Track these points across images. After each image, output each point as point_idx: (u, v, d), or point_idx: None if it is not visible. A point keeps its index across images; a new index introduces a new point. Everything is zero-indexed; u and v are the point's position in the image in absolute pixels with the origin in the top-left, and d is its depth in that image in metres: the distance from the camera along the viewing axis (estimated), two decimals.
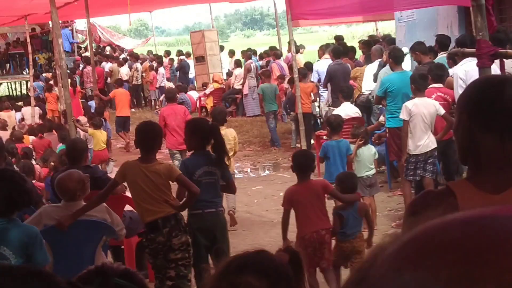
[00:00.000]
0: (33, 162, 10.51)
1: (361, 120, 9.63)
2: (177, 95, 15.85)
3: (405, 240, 0.58)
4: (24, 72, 25.22)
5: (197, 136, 5.63)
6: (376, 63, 10.50)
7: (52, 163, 9.29)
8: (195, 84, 20.92)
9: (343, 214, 5.55)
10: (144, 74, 22.11)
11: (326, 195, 5.71)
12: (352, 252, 5.48)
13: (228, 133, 8.16)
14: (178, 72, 22.27)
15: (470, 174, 1.90)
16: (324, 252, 5.32)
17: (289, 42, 12.60)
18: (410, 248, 0.57)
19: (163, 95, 19.63)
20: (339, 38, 15.33)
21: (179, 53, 23.81)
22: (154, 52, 26.29)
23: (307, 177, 5.61)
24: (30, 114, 16.86)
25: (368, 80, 10.59)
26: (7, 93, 28.48)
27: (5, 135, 12.89)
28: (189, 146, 5.98)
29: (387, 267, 0.56)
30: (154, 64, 22.33)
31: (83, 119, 13.43)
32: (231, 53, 21.34)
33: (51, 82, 18.72)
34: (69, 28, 27.65)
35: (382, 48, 11.18)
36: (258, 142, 14.25)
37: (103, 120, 12.47)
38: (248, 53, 19.23)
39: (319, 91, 12.68)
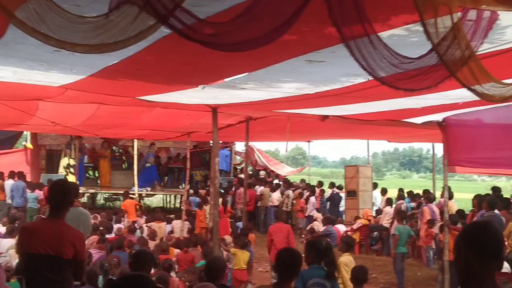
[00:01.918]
0: (173, 274, 11.01)
1: (510, 276, 9.29)
2: (324, 227, 16.10)
3: None
4: (180, 187, 26.60)
5: (313, 253, 6.87)
6: None
7: (184, 277, 9.62)
8: (344, 218, 21.03)
9: None
10: (294, 202, 22.55)
11: None
12: None
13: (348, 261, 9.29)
14: (328, 203, 22.53)
15: None
16: None
17: (443, 187, 12.57)
18: None
19: (310, 225, 20.04)
20: (496, 190, 14.98)
21: (331, 185, 24.16)
22: (307, 181, 26.83)
23: None
24: (179, 227, 17.59)
25: None
26: (162, 205, 30.00)
27: (152, 244, 13.62)
28: (307, 261, 6.87)
29: None
30: (305, 192, 22.79)
31: (228, 238, 13.90)
32: (384, 191, 21.39)
33: (206, 198, 19.53)
34: (228, 148, 29.00)
35: None
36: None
37: (248, 241, 12.79)
38: (401, 193, 19.17)
39: None
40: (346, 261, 9.20)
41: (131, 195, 21.83)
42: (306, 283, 6.55)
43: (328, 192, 23.58)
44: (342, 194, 22.48)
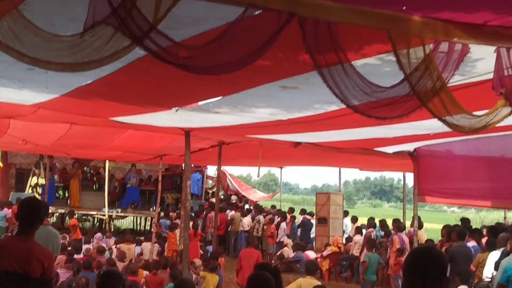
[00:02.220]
0: None
1: None
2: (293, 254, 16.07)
3: None
4: (151, 209, 26.46)
5: None
6: (499, 251, 10.28)
7: None
8: (314, 245, 21.03)
9: None
10: (265, 227, 22.51)
11: None
12: None
13: (315, 283, 9.28)
14: (299, 229, 22.52)
15: None
16: None
17: (413, 217, 12.66)
18: None
19: (280, 250, 20.01)
20: (465, 221, 15.11)
21: (303, 211, 24.18)
22: (278, 207, 26.83)
23: None
24: (149, 249, 17.43)
25: (489, 267, 10.33)
26: (132, 227, 29.78)
27: (121, 266, 13.48)
28: None
29: None
30: (276, 218, 22.77)
31: (198, 262, 13.81)
32: (354, 219, 21.44)
33: (176, 221, 19.43)
34: (200, 172, 28.96)
35: (508, 237, 10.94)
36: None
37: (217, 265, 12.72)
38: (371, 222, 19.26)
39: None
40: (302, 283, 9.55)
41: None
42: None
43: (299, 219, 23.58)
44: (313, 221, 22.49)
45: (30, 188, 24.51)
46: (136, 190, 27.23)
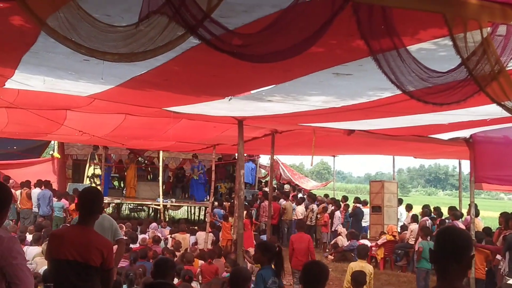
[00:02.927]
0: (197, 286, 11.02)
1: None
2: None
3: None
4: (205, 199, 26.63)
5: (267, 255, 7.55)
6: None
7: None
8: (368, 233, 20.89)
9: None
10: (318, 216, 22.45)
11: None
12: None
13: (367, 267, 10.40)
14: (351, 218, 22.40)
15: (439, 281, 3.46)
16: None
17: (469, 205, 12.44)
18: None
19: (335, 239, 19.95)
20: None
21: (356, 200, 24.02)
22: (331, 196, 26.71)
23: None
24: (203, 239, 17.58)
25: None
26: (186, 216, 30.04)
27: (176, 255, 13.65)
28: (260, 261, 7.72)
29: None
30: (330, 207, 22.70)
31: (252, 251, 13.86)
32: (409, 207, 21.21)
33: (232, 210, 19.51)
34: (254, 161, 29.01)
35: None
36: None
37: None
38: (425, 210, 19.01)
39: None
40: (353, 265, 10.70)
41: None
42: (267, 282, 7.29)
43: (351, 207, 23.46)
44: (366, 210, 22.30)
45: (88, 178, 24.95)
46: (202, 182, 26.73)
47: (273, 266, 7.63)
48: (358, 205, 22.99)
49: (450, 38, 4.08)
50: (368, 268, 10.75)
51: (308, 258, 12.94)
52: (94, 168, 24.93)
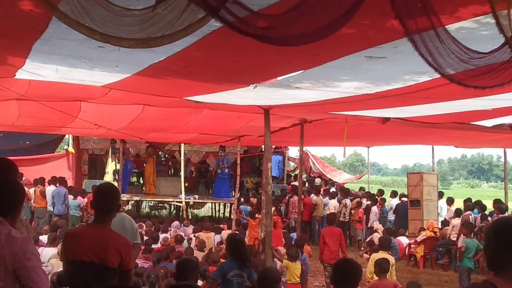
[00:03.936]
0: None
1: None
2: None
3: None
4: (230, 195, 26.59)
5: (232, 247, 8.15)
6: None
7: None
8: (407, 229, 20.79)
9: None
10: (352, 211, 22.36)
11: None
12: None
13: (389, 258, 11.01)
14: (389, 213, 22.31)
15: (497, 275, 3.42)
16: None
17: None
18: None
19: (370, 236, 19.87)
20: None
21: (393, 194, 23.91)
22: (366, 190, 26.62)
23: None
24: None
25: None
26: (210, 214, 30.14)
27: (201, 256, 13.70)
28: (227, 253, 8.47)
29: None
30: (365, 201, 22.63)
31: (282, 249, 13.88)
32: (450, 201, 21.05)
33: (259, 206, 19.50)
34: (281, 154, 28.97)
35: None
36: None
37: (299, 252, 12.72)
38: (468, 204, 18.86)
39: None
40: (375, 256, 11.31)
41: None
42: (226, 275, 7.84)
43: (389, 202, 23.32)
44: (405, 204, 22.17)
45: (109, 174, 25.05)
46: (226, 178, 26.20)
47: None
48: (403, 199, 22.71)
49: (492, 16, 4.04)
50: (390, 259, 11.27)
51: (339, 252, 13.15)
52: (116, 164, 25.06)
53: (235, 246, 8.13)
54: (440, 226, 19.30)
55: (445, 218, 20.17)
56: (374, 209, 21.96)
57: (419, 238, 18.39)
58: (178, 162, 26.28)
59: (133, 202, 27.09)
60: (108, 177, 24.89)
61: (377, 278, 9.97)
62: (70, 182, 23.59)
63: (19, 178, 19.70)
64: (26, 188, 18.37)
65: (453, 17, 4.76)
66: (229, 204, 26.48)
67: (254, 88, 8.75)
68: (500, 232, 3.52)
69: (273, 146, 24.84)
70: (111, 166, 25.20)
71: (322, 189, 25.48)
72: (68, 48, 6.50)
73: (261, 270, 7.90)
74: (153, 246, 14.13)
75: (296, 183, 23.91)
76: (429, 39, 4.25)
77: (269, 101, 10.98)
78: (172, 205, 28.26)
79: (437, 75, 4.63)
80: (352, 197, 23.49)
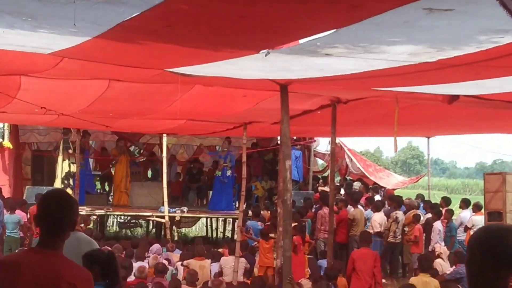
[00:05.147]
0: None
1: None
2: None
3: None
4: (232, 206, 26.43)
5: (95, 268, 7.82)
6: None
7: None
8: None
9: None
10: (406, 229, 22.33)
11: None
12: None
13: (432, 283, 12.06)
14: (457, 230, 22.31)
15: None
16: None
17: None
18: None
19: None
20: None
21: (464, 203, 23.86)
22: (426, 198, 26.60)
23: None
24: (231, 267, 17.51)
25: None
26: (205, 233, 30.14)
27: None
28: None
29: None
30: (423, 214, 22.61)
31: (307, 283, 13.88)
32: None
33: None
34: (307, 148, 28.94)
35: None
36: None
37: (331, 286, 12.75)
38: None
39: None
40: (414, 281, 12.27)
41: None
42: None
43: (459, 214, 23.27)
44: (479, 217, 22.11)
45: (62, 179, 24.93)
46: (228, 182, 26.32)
47: None
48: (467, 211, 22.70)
49: None
50: (433, 284, 11.96)
51: (373, 282, 13.28)
52: (69, 164, 24.96)
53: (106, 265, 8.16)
54: None
55: None
56: (437, 225, 21.88)
57: None
58: (158, 160, 26.32)
59: (95, 217, 27.14)
60: (59, 182, 24.85)
61: None
62: (5, 190, 23.64)
63: None
64: None
65: None
66: (231, 220, 26.54)
67: (266, 55, 8.75)
68: (488, 244, 3.64)
69: (293, 138, 24.82)
70: (64, 166, 25.15)
71: (363, 198, 25.46)
72: (2, 2, 6.50)
73: None
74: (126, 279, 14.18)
75: (326, 189, 23.90)
76: None
77: (288, 74, 10.98)
78: (151, 222, 28.33)
79: None
80: (406, 209, 23.46)
